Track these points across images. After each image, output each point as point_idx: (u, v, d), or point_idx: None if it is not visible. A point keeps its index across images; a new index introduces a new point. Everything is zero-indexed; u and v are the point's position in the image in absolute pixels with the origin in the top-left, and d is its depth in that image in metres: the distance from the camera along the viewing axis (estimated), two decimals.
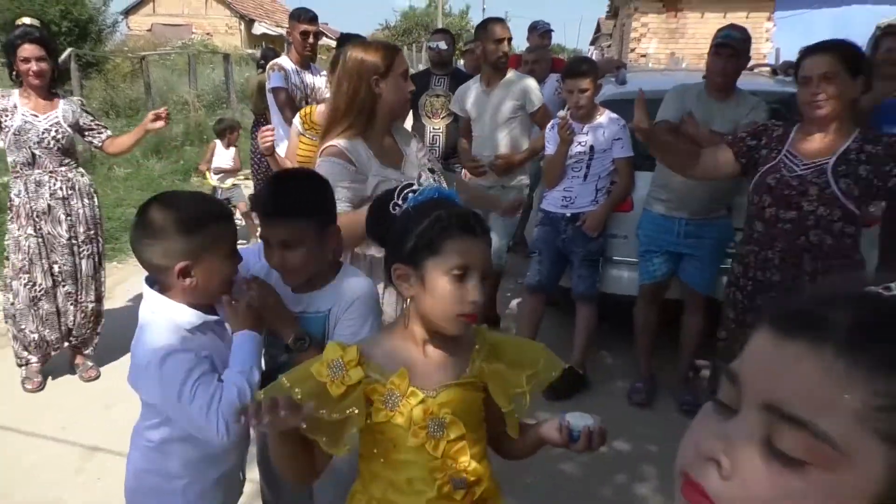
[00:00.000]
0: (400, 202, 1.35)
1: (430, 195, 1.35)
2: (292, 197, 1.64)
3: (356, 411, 1.27)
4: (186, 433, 1.55)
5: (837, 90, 2.26)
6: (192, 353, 1.52)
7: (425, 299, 1.30)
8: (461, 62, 8.77)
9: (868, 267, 3.47)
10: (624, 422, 3.21)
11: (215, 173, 6.12)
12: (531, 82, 4.03)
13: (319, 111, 2.96)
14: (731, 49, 3.11)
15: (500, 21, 4.05)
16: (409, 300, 1.33)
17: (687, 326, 3.43)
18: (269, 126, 3.11)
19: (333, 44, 8.27)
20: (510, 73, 4.05)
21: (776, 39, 15.94)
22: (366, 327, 1.64)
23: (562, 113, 3.47)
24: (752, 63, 6.75)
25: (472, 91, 4.10)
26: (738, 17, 17.24)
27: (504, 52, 3.97)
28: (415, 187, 1.36)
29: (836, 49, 2.31)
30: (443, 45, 4.90)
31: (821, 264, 2.38)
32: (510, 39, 4.01)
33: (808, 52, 2.39)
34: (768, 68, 5.47)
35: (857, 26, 12.11)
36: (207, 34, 28.15)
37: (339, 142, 2.11)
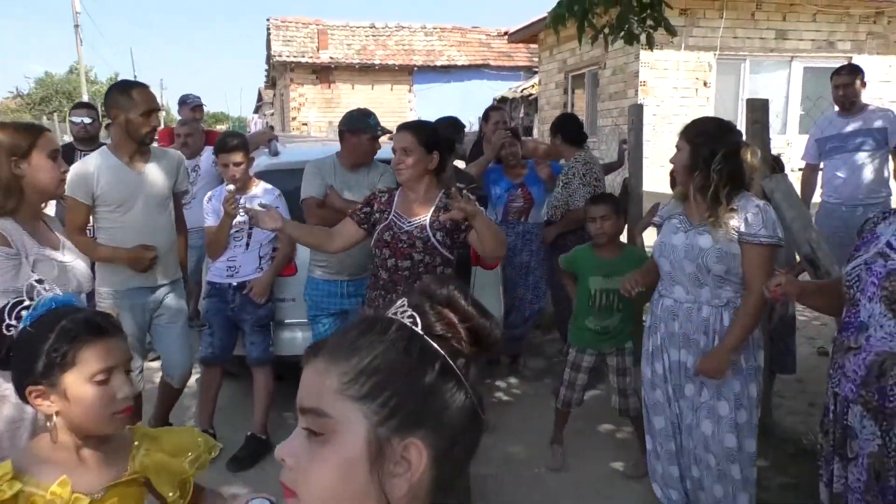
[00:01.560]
0: (14, 322, 1.29)
1: (47, 307, 1.31)
2: None
3: None
4: None
5: (414, 161, 2.73)
6: None
7: (73, 411, 1.28)
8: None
9: (490, 300, 4.14)
10: None
11: None
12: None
13: None
14: (370, 135, 3.51)
15: (144, 87, 3.16)
16: (53, 416, 1.29)
17: None
18: None
19: None
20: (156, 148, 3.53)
21: (417, 108, 17.99)
22: None
23: (231, 187, 3.44)
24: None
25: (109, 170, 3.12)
26: (384, 89, 19.09)
27: (153, 126, 3.24)
28: (27, 303, 1.30)
29: (414, 128, 2.81)
30: (87, 119, 4.62)
31: None
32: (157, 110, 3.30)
33: (398, 128, 2.88)
34: None
35: (479, 96, 14.32)
36: None
37: None
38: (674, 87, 11.12)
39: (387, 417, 0.74)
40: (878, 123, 4.45)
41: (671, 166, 2.68)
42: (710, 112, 10.42)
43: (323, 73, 18.81)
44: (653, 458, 2.81)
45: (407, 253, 2.74)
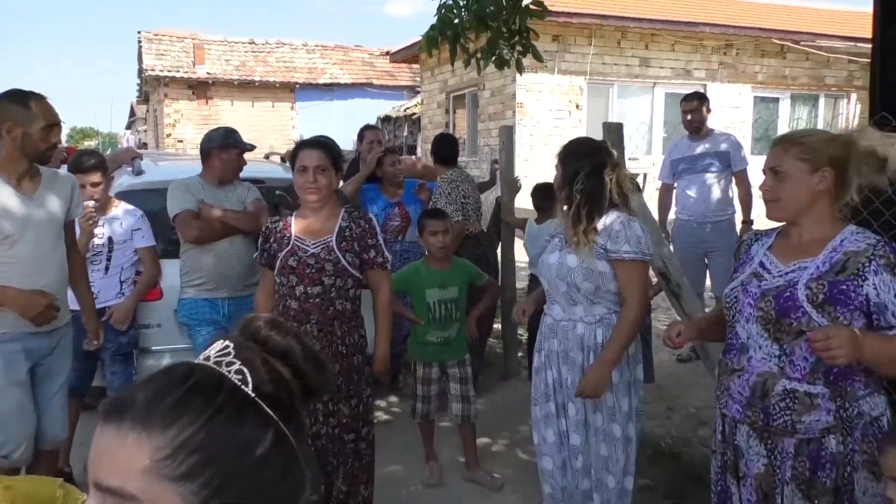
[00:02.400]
0: None
1: None
2: None
3: None
4: None
5: (327, 180, 2.66)
6: None
7: None
8: None
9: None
10: None
11: None
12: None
13: None
14: (239, 150, 3.51)
15: (42, 97, 2.70)
16: None
17: None
18: None
19: None
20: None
21: (300, 126, 17.76)
22: None
23: (90, 203, 3.25)
24: (267, 151, 7.42)
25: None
26: (265, 107, 18.73)
27: (54, 143, 2.80)
28: None
29: (325, 146, 2.71)
30: None
31: (346, 328, 2.71)
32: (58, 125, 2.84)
33: (303, 145, 2.79)
34: (279, 156, 6.07)
35: (363, 115, 14.33)
36: None
37: None
38: (549, 109, 11.62)
39: (209, 498, 0.63)
40: (722, 147, 4.86)
41: None
42: (582, 133, 10.97)
43: (200, 88, 18.20)
44: (546, 476, 2.76)
45: (316, 278, 2.64)
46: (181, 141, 17.72)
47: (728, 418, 1.97)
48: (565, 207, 2.55)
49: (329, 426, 2.67)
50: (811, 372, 1.77)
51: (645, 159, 11.04)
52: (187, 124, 18.10)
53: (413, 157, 12.56)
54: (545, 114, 11.59)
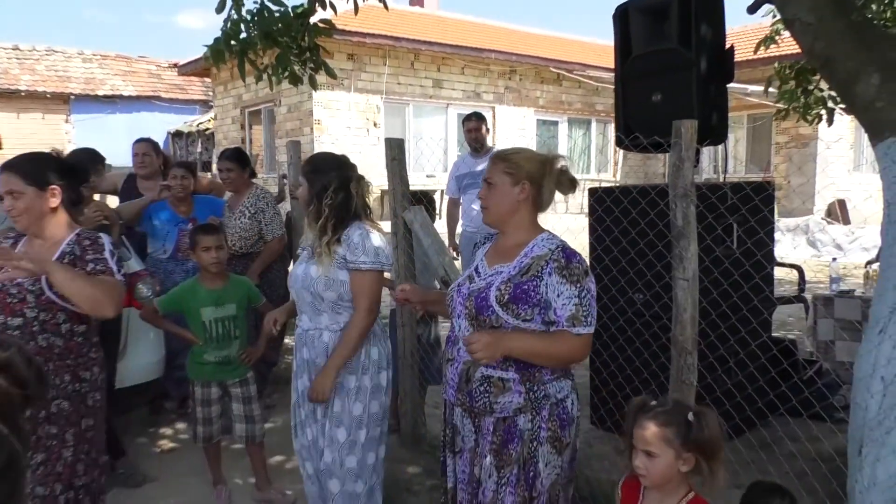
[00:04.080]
0: None
1: None
2: None
3: None
4: None
5: (26, 205, 2.31)
6: None
7: None
8: None
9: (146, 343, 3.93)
10: None
11: None
12: None
13: None
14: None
15: None
16: None
17: None
18: None
19: None
20: None
21: (77, 140, 16.22)
22: None
23: None
24: None
25: None
26: (34, 118, 16.89)
27: None
28: None
29: (16, 166, 2.34)
30: None
31: (54, 366, 2.33)
32: None
33: None
34: None
35: (150, 129, 13.45)
36: None
37: None
38: (347, 126, 11.74)
39: None
40: None
41: None
42: (381, 150, 11.23)
43: None
44: (306, 481, 2.80)
45: (17, 309, 2.30)
46: None
47: (448, 402, 2.22)
48: (314, 221, 2.60)
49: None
50: (503, 360, 2.03)
51: (442, 176, 11.54)
52: None
53: (208, 174, 12.00)
54: (343, 131, 11.70)
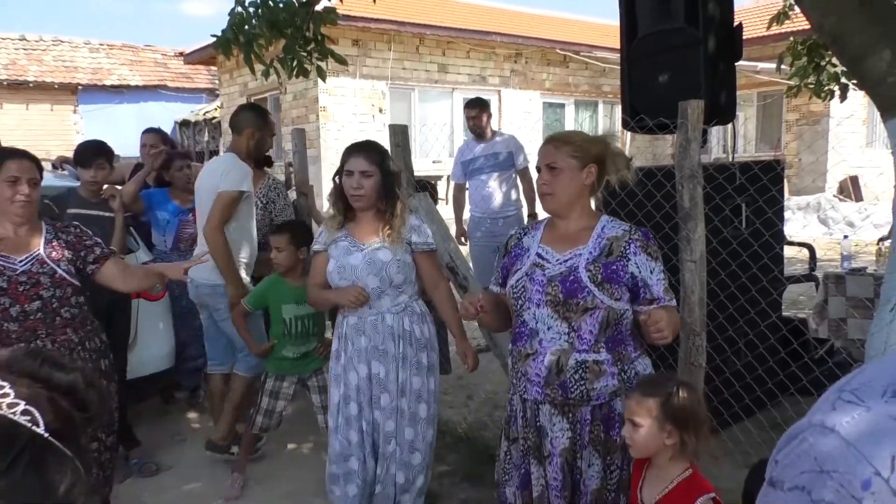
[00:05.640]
0: None
1: None
2: None
3: None
4: None
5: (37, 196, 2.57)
6: None
7: None
8: None
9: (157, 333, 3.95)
10: None
11: None
12: None
13: None
14: None
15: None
16: None
17: None
18: None
19: None
20: None
21: (86, 130, 16.26)
22: None
23: None
24: (53, 159, 6.74)
25: None
26: (42, 109, 16.93)
27: None
28: None
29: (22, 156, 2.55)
30: None
31: (82, 333, 2.62)
32: None
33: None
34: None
35: (158, 119, 13.46)
36: None
37: None
38: (353, 113, 11.69)
39: None
40: (507, 148, 5.22)
41: None
42: (387, 136, 11.19)
43: None
44: (330, 482, 2.79)
45: (33, 294, 2.50)
46: None
47: (529, 402, 2.07)
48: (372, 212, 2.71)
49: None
50: (595, 342, 1.99)
51: (448, 162, 11.48)
52: None
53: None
54: (349, 117, 11.65)
